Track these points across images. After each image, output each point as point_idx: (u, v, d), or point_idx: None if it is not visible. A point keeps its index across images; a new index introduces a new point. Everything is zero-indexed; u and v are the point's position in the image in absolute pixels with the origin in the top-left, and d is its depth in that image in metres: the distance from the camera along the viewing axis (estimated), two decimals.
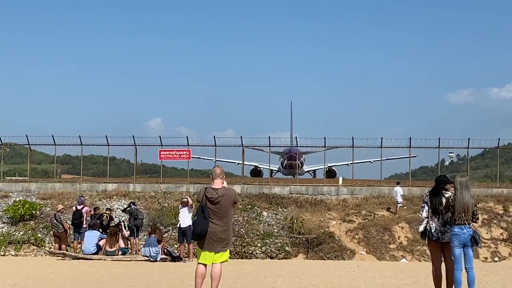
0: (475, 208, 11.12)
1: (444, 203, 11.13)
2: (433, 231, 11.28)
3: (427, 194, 11.70)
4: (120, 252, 23.87)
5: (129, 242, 24.97)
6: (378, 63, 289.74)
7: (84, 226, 25.32)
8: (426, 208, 11.51)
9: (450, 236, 11.06)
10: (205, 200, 10.91)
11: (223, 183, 11.10)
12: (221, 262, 10.96)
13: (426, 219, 11.44)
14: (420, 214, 11.76)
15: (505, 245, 29.37)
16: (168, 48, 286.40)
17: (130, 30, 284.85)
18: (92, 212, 26.28)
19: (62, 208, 26.07)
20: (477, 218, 11.24)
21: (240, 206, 31.81)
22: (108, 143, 39.24)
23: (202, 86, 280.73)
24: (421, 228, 11.56)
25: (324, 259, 26.88)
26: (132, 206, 26.19)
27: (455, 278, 10.99)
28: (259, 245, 28.58)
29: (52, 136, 39.27)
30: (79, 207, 25.61)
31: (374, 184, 37.51)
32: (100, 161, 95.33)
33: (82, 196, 27.65)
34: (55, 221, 25.00)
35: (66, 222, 25.73)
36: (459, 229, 10.92)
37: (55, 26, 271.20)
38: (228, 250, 11.18)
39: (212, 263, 10.98)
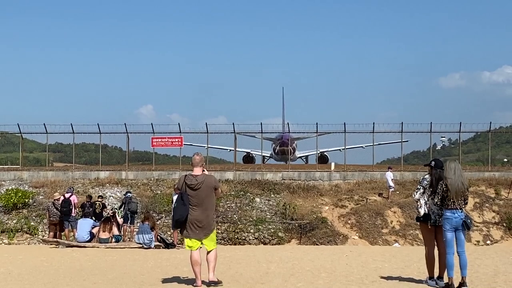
0: (467, 192, 11.19)
1: (439, 187, 11.14)
2: (431, 214, 11.31)
3: (425, 177, 11.67)
4: (113, 240, 23.89)
5: (122, 229, 24.99)
6: (369, 48, 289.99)
7: (73, 214, 25.25)
8: (422, 190, 11.51)
9: (442, 220, 11.12)
10: (185, 187, 11.10)
11: (203, 171, 11.25)
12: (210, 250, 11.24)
13: (425, 202, 11.42)
14: (414, 195, 11.69)
15: (497, 229, 29.49)
16: (159, 35, 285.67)
17: (121, 17, 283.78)
18: (86, 201, 26.23)
19: (60, 197, 26.02)
20: (467, 203, 11.29)
21: (233, 193, 31.86)
22: (100, 131, 39.26)
23: (194, 72, 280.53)
24: (422, 211, 11.49)
25: (317, 245, 26.95)
26: (127, 194, 26.24)
27: (447, 262, 11.05)
28: (252, 231, 28.62)
29: (44, 124, 39.28)
30: (67, 196, 25.52)
31: (366, 169, 37.59)
32: (92, 149, 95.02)
33: (72, 187, 27.63)
34: (54, 209, 24.98)
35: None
36: (451, 213, 10.97)
37: (46, 13, 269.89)
38: (214, 239, 11.34)
39: (207, 251, 11.20)
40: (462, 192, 10.99)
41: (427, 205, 11.39)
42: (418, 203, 11.59)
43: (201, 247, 11.31)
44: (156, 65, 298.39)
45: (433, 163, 11.69)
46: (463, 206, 11.14)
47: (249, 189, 32.64)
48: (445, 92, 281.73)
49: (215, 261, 11.40)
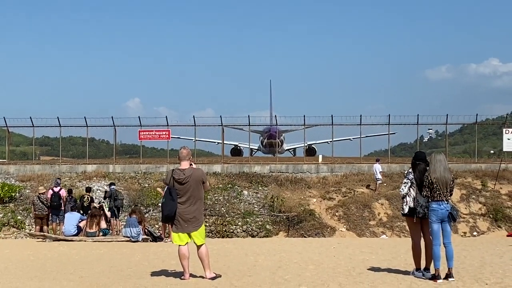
0: (453, 183, 11.24)
1: (424, 180, 11.16)
2: (419, 208, 11.30)
3: (409, 171, 11.66)
4: (101, 233, 23.80)
5: (110, 223, 24.90)
6: (356, 41, 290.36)
7: (62, 208, 25.10)
8: (409, 184, 11.47)
9: (428, 212, 11.14)
10: (173, 181, 11.04)
11: (190, 164, 11.19)
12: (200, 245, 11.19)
13: (410, 197, 11.40)
14: (402, 190, 11.60)
15: (483, 220, 29.68)
16: (145, 28, 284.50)
17: (107, 11, 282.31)
18: (66, 195, 25.95)
19: (45, 191, 25.81)
20: (451, 194, 11.33)
21: (221, 185, 31.85)
22: (87, 124, 39.09)
23: (181, 65, 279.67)
24: (406, 209, 11.44)
25: (304, 237, 26.99)
26: (112, 188, 26.10)
27: (433, 253, 11.09)
28: (240, 224, 28.66)
29: (30, 117, 39.06)
30: (56, 190, 25.35)
31: (353, 162, 37.67)
32: (79, 143, 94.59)
33: (59, 179, 27.47)
34: (40, 203, 24.81)
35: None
36: (437, 205, 10.99)
37: (32, 6, 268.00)
38: (203, 233, 11.31)
39: (197, 247, 11.17)
40: (447, 184, 11.03)
41: (415, 200, 11.37)
42: (404, 200, 11.58)
43: (188, 242, 11.28)
44: (143, 58, 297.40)
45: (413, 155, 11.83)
46: (449, 197, 11.18)
47: (237, 182, 32.65)
48: (432, 85, 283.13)
49: (208, 258, 11.36)
